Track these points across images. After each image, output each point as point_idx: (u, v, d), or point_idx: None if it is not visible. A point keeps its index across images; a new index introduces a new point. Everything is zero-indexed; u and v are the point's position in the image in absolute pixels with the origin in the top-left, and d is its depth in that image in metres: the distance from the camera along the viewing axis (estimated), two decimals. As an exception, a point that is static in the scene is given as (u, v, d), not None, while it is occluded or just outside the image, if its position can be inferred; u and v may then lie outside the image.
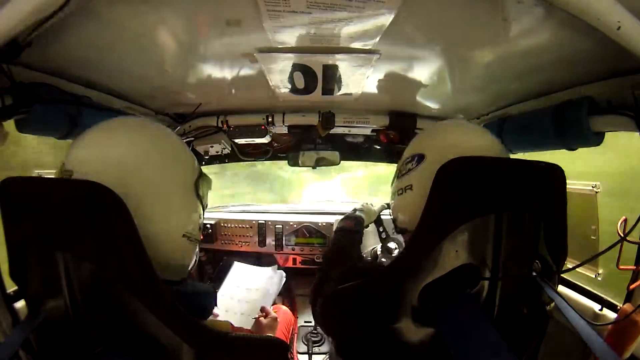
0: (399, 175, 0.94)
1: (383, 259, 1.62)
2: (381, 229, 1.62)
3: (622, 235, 0.82)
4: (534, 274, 0.78)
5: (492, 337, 0.66)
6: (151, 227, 0.70)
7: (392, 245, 1.62)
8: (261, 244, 2.32)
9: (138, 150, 0.71)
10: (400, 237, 1.55)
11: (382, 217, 1.61)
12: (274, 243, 2.32)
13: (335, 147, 2.10)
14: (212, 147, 1.81)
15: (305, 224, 2.30)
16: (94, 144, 0.71)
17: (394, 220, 0.98)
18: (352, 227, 1.37)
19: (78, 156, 0.70)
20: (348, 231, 1.35)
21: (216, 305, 0.84)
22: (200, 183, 0.80)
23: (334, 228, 1.54)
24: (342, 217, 1.48)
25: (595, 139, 0.96)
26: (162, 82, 1.25)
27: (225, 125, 1.76)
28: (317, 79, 1.21)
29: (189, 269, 0.85)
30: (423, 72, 1.18)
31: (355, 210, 1.49)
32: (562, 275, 0.86)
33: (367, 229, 1.53)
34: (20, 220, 0.69)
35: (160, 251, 0.71)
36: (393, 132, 1.81)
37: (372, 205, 1.53)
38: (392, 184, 0.99)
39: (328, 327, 0.93)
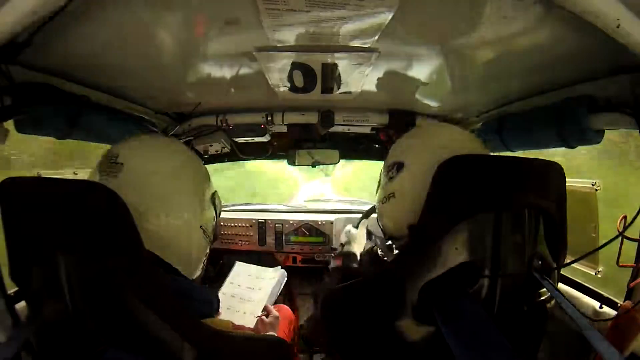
0: (382, 185, 0.95)
1: (385, 258, 1.62)
2: (373, 237, 1.62)
3: (620, 231, 0.82)
4: (534, 271, 0.78)
5: (493, 335, 0.67)
6: (176, 219, 0.80)
7: (390, 242, 1.62)
8: (261, 243, 2.32)
9: (179, 162, 0.86)
10: None
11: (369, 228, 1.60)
12: (274, 242, 2.32)
13: (335, 146, 2.10)
14: (211, 146, 1.80)
15: (304, 222, 2.31)
16: (147, 146, 0.86)
17: (382, 228, 1.00)
18: (341, 264, 1.36)
19: (130, 150, 0.82)
20: (338, 269, 1.35)
21: (219, 308, 0.86)
22: (215, 197, 0.95)
23: (337, 230, 1.51)
24: (332, 257, 1.46)
25: (595, 136, 0.96)
26: (162, 82, 1.25)
27: (224, 124, 1.75)
28: (316, 77, 1.20)
29: (199, 272, 0.91)
30: (422, 70, 1.18)
31: (342, 245, 1.48)
32: (562, 272, 0.86)
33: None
34: (20, 220, 0.69)
35: (180, 242, 0.81)
36: (392, 131, 1.81)
37: (354, 228, 1.53)
38: (376, 191, 1.00)
39: (326, 328, 0.93)
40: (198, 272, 0.92)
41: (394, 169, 0.89)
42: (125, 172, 0.75)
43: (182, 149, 0.91)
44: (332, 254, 1.46)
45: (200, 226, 0.86)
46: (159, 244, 0.75)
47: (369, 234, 1.58)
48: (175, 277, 0.78)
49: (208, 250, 0.94)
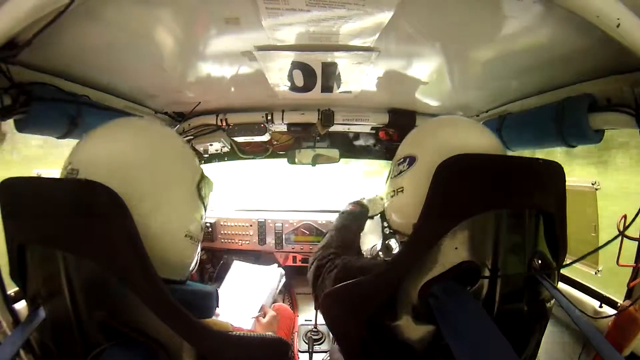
0: (391, 176, 0.93)
1: (385, 258, 1.62)
2: (385, 224, 1.61)
3: (620, 230, 0.82)
4: (534, 271, 0.78)
5: (493, 335, 0.67)
6: (154, 226, 0.71)
7: (392, 243, 1.62)
8: (261, 242, 2.32)
9: (143, 150, 0.73)
10: None
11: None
12: (273, 241, 2.32)
13: (335, 145, 2.10)
14: (211, 145, 1.81)
15: (304, 222, 2.31)
16: (100, 143, 0.72)
17: (387, 222, 0.98)
18: (355, 211, 1.39)
19: (84, 155, 0.70)
20: (350, 213, 1.37)
21: (218, 305, 0.84)
22: (202, 184, 0.81)
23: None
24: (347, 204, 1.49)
25: (595, 136, 0.96)
26: (161, 81, 1.25)
27: (224, 124, 1.76)
28: (316, 76, 1.20)
29: (191, 269, 0.85)
30: (422, 69, 1.18)
31: (363, 198, 1.49)
32: (562, 272, 0.86)
33: (368, 227, 1.52)
34: (20, 220, 0.69)
35: (162, 250, 0.72)
36: (392, 130, 1.81)
37: (380, 198, 1.53)
38: (385, 183, 0.98)
39: (329, 325, 0.93)
40: (189, 271, 0.85)
41: (405, 163, 0.87)
42: None
43: (148, 137, 0.76)
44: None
45: (186, 235, 0.77)
46: None
47: (383, 217, 1.58)
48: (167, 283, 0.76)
49: (199, 250, 0.86)
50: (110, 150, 0.71)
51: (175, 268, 0.79)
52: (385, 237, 1.62)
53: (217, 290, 0.84)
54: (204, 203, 0.83)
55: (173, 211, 0.74)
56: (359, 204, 1.43)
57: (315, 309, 1.16)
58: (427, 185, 0.75)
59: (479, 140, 0.84)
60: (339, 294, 0.87)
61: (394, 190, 0.90)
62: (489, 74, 1.15)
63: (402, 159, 0.89)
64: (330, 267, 1.02)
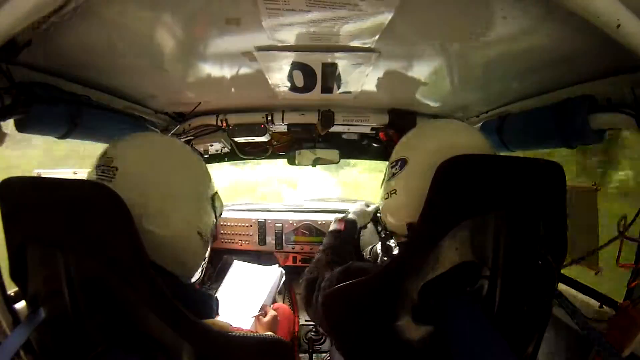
0: (386, 179, 0.95)
1: (385, 257, 1.62)
2: (379, 228, 1.61)
3: (620, 231, 0.83)
4: (534, 271, 0.78)
5: (491, 335, 0.67)
6: (172, 222, 0.78)
7: (392, 243, 1.62)
8: (261, 242, 2.32)
9: (175, 164, 0.84)
10: None
11: (379, 215, 1.58)
12: (273, 242, 2.31)
13: (335, 146, 2.09)
14: (211, 145, 1.81)
15: (304, 222, 2.30)
16: (142, 147, 0.83)
17: (383, 223, 1.00)
18: (343, 229, 1.36)
19: (125, 151, 0.79)
20: (339, 232, 1.34)
21: (218, 313, 0.85)
22: (215, 197, 0.92)
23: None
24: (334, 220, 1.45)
25: (595, 136, 0.96)
26: (162, 82, 1.25)
27: (224, 124, 1.76)
28: (316, 77, 1.21)
29: (199, 271, 0.90)
30: (422, 70, 1.18)
31: (347, 213, 1.48)
32: (562, 272, 0.86)
33: (367, 228, 1.52)
34: (20, 220, 0.69)
35: (176, 246, 0.78)
36: (392, 130, 1.81)
37: (367, 206, 1.52)
38: (381, 186, 0.99)
39: (328, 327, 0.93)
40: (197, 275, 0.91)
41: (397, 165, 0.89)
42: (119, 177, 0.74)
43: (179, 149, 0.89)
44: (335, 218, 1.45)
45: (198, 232, 0.84)
46: (153, 249, 0.72)
47: (376, 222, 1.57)
48: (172, 282, 0.77)
49: (207, 254, 0.92)
50: (146, 153, 0.81)
51: (184, 263, 0.83)
52: (382, 240, 1.62)
53: (217, 297, 0.86)
54: (215, 212, 0.91)
55: (190, 209, 0.82)
56: (345, 220, 1.42)
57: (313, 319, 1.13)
58: (418, 186, 0.77)
59: (467, 140, 0.85)
60: (339, 294, 0.87)
61: (387, 193, 0.92)
62: (489, 75, 1.15)
63: (395, 162, 0.91)
64: (326, 280, 1.00)
